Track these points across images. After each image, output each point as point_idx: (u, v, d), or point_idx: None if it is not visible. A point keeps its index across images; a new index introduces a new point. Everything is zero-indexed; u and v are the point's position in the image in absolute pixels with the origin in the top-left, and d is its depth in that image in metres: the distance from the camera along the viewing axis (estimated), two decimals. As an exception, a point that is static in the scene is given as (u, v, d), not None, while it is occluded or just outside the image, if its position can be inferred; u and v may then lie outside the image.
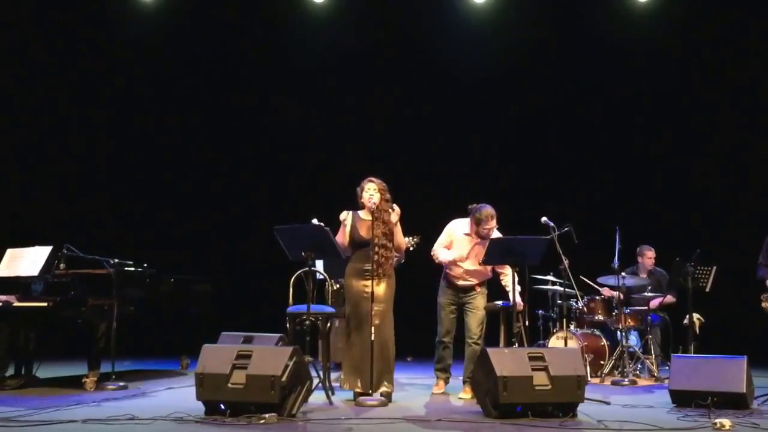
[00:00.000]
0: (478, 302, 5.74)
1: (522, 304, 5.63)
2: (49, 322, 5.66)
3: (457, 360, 5.89)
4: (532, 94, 9.07)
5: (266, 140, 9.31)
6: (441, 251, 5.80)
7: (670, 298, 6.95)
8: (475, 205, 5.74)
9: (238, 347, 4.70)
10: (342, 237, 5.37)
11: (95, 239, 7.09)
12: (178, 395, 5.58)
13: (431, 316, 6.74)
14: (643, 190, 8.96)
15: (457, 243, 5.76)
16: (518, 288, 5.61)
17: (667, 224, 8.56)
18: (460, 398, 5.54)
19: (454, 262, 5.73)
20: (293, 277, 5.85)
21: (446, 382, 5.86)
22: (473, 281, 5.75)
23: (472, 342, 5.67)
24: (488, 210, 5.68)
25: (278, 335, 5.42)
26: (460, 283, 5.77)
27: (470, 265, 5.72)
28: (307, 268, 5.26)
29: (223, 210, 9.32)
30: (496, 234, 5.80)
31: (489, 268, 5.74)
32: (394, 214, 5.33)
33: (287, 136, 9.28)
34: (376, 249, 5.25)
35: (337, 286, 6.74)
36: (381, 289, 5.29)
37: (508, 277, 5.67)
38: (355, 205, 5.41)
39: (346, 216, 5.34)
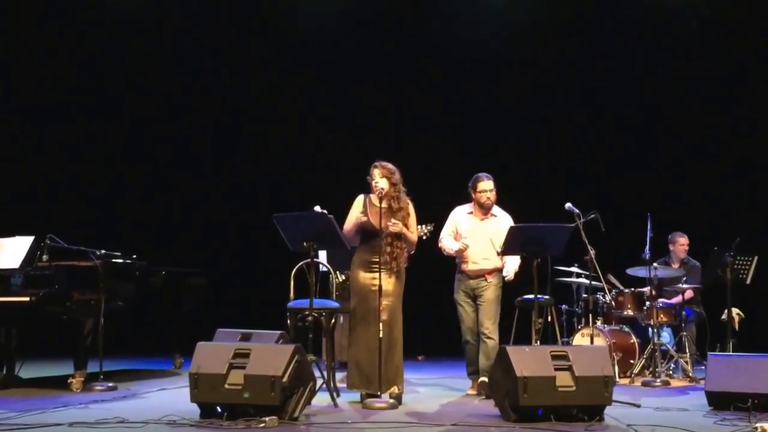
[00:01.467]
0: (489, 294, 5.76)
1: (513, 271, 5.61)
2: (31, 318, 5.68)
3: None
4: (556, 73, 9.02)
5: (265, 125, 9.31)
6: (447, 240, 5.86)
7: (689, 293, 6.90)
8: None
9: (235, 345, 4.71)
10: (356, 225, 5.34)
11: (81, 229, 7.13)
12: (171, 397, 5.60)
13: (443, 311, 6.74)
14: (676, 173, 8.87)
15: (461, 225, 5.85)
16: (515, 260, 5.63)
17: (702, 211, 8.49)
18: (467, 395, 5.61)
19: (461, 251, 5.75)
20: (294, 270, 5.86)
21: None
22: (484, 267, 5.76)
23: (485, 337, 5.70)
24: (483, 174, 5.80)
25: (279, 332, 5.43)
26: (471, 267, 5.80)
27: (479, 246, 5.76)
28: (309, 260, 5.27)
29: (219, 199, 9.33)
30: (501, 213, 5.86)
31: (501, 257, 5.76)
32: (410, 205, 5.34)
33: (289, 121, 9.27)
34: (389, 240, 5.24)
35: (342, 278, 6.75)
36: (390, 282, 5.29)
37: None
38: (369, 189, 5.42)
39: (363, 220, 5.32)
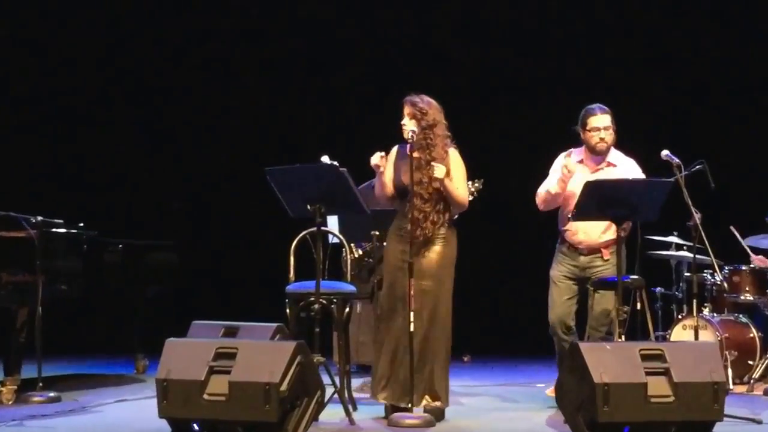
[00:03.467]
0: (610, 275, 5.67)
1: None
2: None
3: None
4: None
5: (263, 58, 9.37)
6: (541, 187, 5.80)
7: None
8: None
9: (217, 342, 4.74)
10: (380, 185, 5.36)
11: (11, 190, 7.19)
12: (133, 411, 5.65)
13: (497, 296, 6.83)
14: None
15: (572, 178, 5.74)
16: None
17: None
18: (549, 395, 5.69)
19: (558, 195, 5.64)
20: (295, 242, 5.86)
21: None
22: (598, 240, 5.73)
23: (599, 335, 5.72)
24: (595, 106, 5.72)
25: (275, 325, 5.40)
26: (580, 238, 5.73)
27: None
28: (314, 229, 5.27)
29: (197, 148, 9.38)
30: (622, 160, 5.75)
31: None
32: (451, 153, 5.31)
33: (289, 56, 9.32)
34: (416, 202, 5.25)
35: (359, 253, 6.78)
36: (429, 258, 5.29)
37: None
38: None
39: (378, 160, 5.29)
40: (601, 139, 5.71)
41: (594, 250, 5.77)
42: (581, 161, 5.81)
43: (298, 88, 9.30)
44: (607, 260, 5.74)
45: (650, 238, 6.83)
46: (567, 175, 5.63)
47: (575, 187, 5.61)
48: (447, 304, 5.33)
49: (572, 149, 5.88)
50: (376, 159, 5.32)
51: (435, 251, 5.30)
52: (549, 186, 5.75)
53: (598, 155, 5.77)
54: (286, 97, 9.27)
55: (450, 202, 5.33)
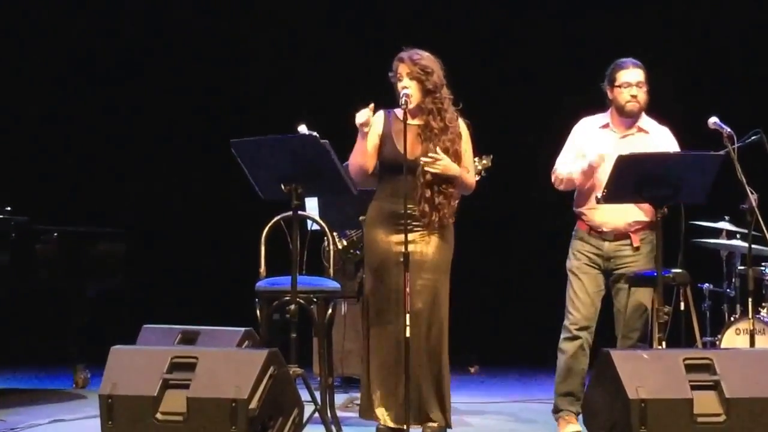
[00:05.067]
0: (642, 268, 5.65)
1: None
2: None
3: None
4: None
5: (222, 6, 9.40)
6: (563, 166, 5.73)
7: None
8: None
9: (173, 350, 4.76)
10: (362, 152, 5.29)
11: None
12: (71, 432, 5.63)
13: (508, 297, 6.79)
14: None
15: (592, 147, 5.69)
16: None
17: None
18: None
19: (593, 168, 5.57)
20: (266, 230, 5.87)
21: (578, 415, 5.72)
22: (628, 221, 5.67)
23: (630, 343, 5.67)
24: (627, 60, 5.68)
25: (242, 330, 5.44)
26: (606, 219, 5.66)
27: None
28: (290, 213, 5.26)
29: (151, 117, 9.39)
30: (654, 126, 5.73)
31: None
32: (461, 123, 5.29)
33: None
34: (426, 178, 5.19)
35: (344, 243, 6.75)
36: (430, 249, 5.26)
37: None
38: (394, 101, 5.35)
39: (367, 116, 5.21)
40: (633, 97, 5.66)
41: (621, 235, 5.70)
42: (606, 125, 5.76)
43: (270, 46, 9.31)
44: (638, 249, 5.69)
45: (696, 223, 6.85)
46: (598, 162, 5.57)
47: (606, 160, 5.56)
48: (446, 303, 5.33)
49: (593, 116, 5.81)
50: (363, 115, 5.20)
51: (434, 240, 5.27)
52: (573, 170, 5.69)
53: (628, 117, 5.72)
54: (257, 58, 9.29)
55: (456, 186, 5.30)
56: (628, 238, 5.70)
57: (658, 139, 5.75)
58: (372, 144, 5.30)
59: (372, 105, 5.24)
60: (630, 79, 5.67)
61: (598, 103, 5.85)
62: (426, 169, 5.17)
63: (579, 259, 5.73)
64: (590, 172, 5.61)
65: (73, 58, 9.44)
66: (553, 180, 5.79)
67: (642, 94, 5.70)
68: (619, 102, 5.70)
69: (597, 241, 5.71)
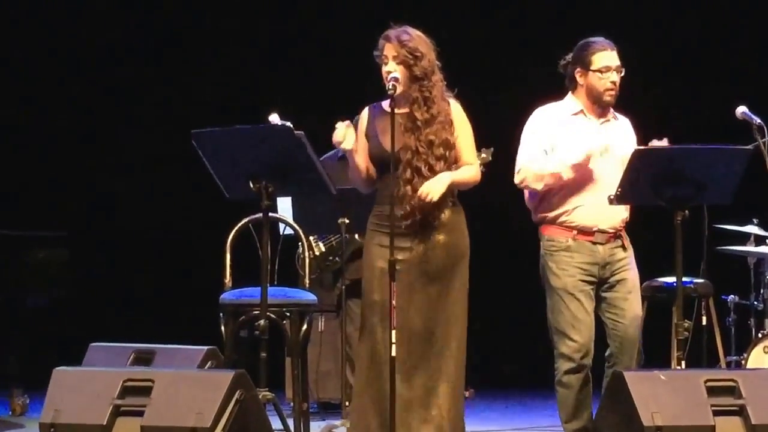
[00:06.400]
0: (632, 276, 5.65)
1: None
2: None
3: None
4: None
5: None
6: (534, 164, 5.66)
7: None
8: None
9: (125, 372, 4.77)
10: (355, 169, 5.27)
11: None
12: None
13: (508, 311, 6.77)
14: None
15: (564, 136, 5.67)
16: None
17: None
18: None
19: (581, 165, 5.53)
20: (232, 234, 5.86)
21: None
22: (623, 219, 5.67)
23: (631, 362, 5.60)
24: (599, 40, 5.65)
25: (205, 348, 5.51)
26: (591, 220, 5.61)
27: (609, 176, 5.59)
28: (260, 214, 5.27)
29: (101, 107, 9.39)
30: (624, 120, 5.73)
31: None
32: (453, 107, 5.27)
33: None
34: (406, 176, 5.18)
35: (321, 249, 6.76)
36: (431, 251, 5.19)
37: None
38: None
39: (344, 134, 5.15)
40: (613, 83, 5.60)
41: (613, 236, 5.66)
42: (579, 112, 5.70)
43: (238, 29, 9.33)
44: (627, 249, 5.67)
45: (721, 227, 6.87)
46: (600, 151, 5.55)
47: (583, 146, 5.53)
48: (462, 318, 5.24)
49: (552, 103, 5.77)
50: (340, 133, 5.16)
51: (439, 243, 5.23)
52: (557, 165, 5.57)
53: (605, 106, 5.67)
54: (224, 43, 9.33)
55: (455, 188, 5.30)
56: (619, 239, 5.66)
57: (627, 128, 5.77)
58: (362, 149, 5.28)
59: (348, 122, 5.20)
60: (610, 63, 5.61)
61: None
62: (423, 203, 5.13)
63: (572, 276, 5.62)
64: (586, 163, 5.55)
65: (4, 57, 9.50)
66: (520, 180, 5.65)
67: (619, 80, 5.66)
68: (597, 89, 5.62)
69: (588, 247, 5.62)
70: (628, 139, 5.64)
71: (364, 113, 5.35)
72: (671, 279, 5.55)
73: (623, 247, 5.64)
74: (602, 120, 5.70)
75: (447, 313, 5.18)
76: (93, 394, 4.61)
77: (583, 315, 5.61)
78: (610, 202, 5.56)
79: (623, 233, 5.66)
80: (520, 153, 5.69)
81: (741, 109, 5.92)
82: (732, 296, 7.32)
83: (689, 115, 6.03)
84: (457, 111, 5.29)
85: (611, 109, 5.73)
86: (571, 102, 5.71)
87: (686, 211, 5.36)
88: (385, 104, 5.25)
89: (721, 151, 5.40)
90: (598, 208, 5.57)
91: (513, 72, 9.04)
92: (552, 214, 5.64)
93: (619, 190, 5.40)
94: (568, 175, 5.55)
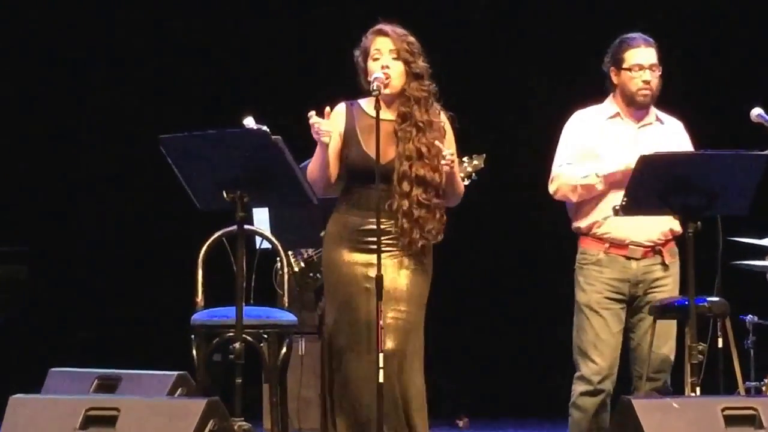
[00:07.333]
0: (671, 293, 5.70)
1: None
2: None
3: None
4: None
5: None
6: (569, 169, 5.71)
7: None
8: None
9: (87, 400, 4.78)
10: (322, 165, 5.29)
11: None
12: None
13: (501, 333, 6.79)
14: None
15: (599, 140, 5.74)
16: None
17: None
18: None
19: (614, 176, 5.59)
20: (204, 249, 5.90)
21: None
22: (663, 232, 5.69)
23: (657, 386, 5.70)
24: (636, 36, 5.69)
25: (174, 374, 5.50)
26: (624, 232, 5.67)
27: None
28: (234, 227, 5.28)
29: (59, 109, 9.42)
30: (666, 117, 5.77)
31: None
32: (443, 118, 5.31)
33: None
34: (403, 188, 5.19)
35: (301, 265, 6.76)
36: (406, 273, 5.26)
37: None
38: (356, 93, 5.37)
39: (327, 126, 5.18)
40: (646, 83, 5.67)
41: (651, 251, 5.72)
42: (616, 114, 5.76)
43: (213, 26, 9.37)
44: (668, 267, 5.72)
45: (737, 240, 6.85)
46: (623, 170, 5.57)
47: (618, 155, 5.59)
48: (421, 340, 5.32)
49: (590, 107, 5.84)
50: (323, 124, 5.16)
51: (408, 265, 5.28)
52: (591, 180, 5.64)
53: (639, 108, 5.74)
54: (193, 41, 9.36)
55: (446, 195, 5.31)
56: (658, 254, 5.71)
57: (674, 133, 5.80)
58: (334, 148, 5.28)
59: (328, 109, 5.21)
60: (642, 61, 5.69)
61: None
62: (445, 169, 5.17)
63: (599, 292, 5.70)
64: (621, 177, 5.57)
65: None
66: (556, 189, 5.74)
67: (655, 79, 5.72)
68: (629, 89, 5.71)
69: (621, 262, 5.70)
70: (673, 145, 5.65)
71: (341, 109, 5.34)
72: (683, 297, 5.55)
73: (663, 264, 5.68)
74: (641, 124, 5.76)
75: (412, 334, 5.26)
76: (53, 424, 4.63)
77: (607, 335, 5.67)
78: (615, 213, 5.57)
79: (665, 248, 5.70)
80: (555, 161, 5.78)
81: (756, 111, 5.93)
82: (750, 316, 7.33)
83: (700, 118, 6.02)
84: (445, 121, 5.34)
85: (655, 112, 5.79)
86: (609, 104, 5.80)
87: (699, 223, 5.34)
88: (364, 104, 5.27)
89: (735, 157, 5.41)
90: (632, 219, 5.59)
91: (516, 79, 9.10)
92: (585, 225, 5.75)
93: (625, 199, 5.41)
94: (601, 187, 5.63)
